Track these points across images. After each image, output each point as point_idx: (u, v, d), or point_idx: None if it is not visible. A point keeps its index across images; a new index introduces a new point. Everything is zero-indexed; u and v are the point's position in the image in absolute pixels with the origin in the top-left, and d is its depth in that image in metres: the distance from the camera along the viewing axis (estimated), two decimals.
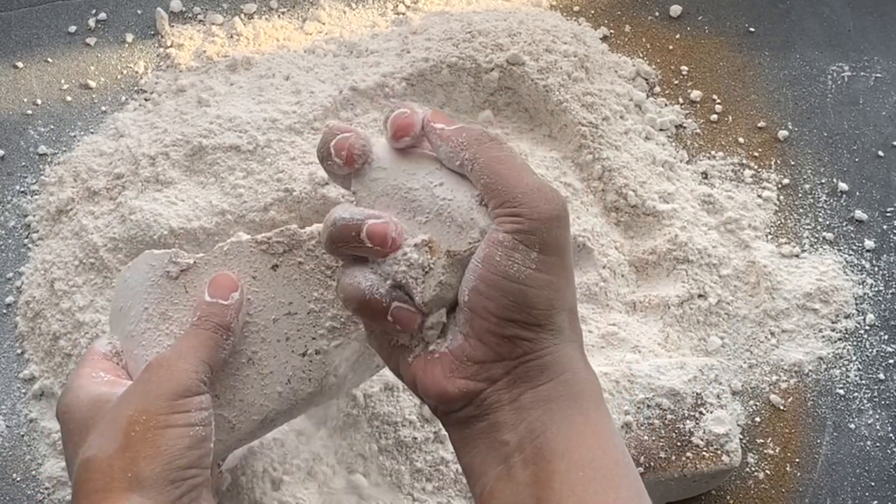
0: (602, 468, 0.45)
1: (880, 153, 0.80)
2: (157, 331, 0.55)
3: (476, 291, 0.47)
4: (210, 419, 0.51)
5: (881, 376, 0.71)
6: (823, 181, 0.79)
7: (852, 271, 0.75)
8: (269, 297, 0.55)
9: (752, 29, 0.85)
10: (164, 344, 0.55)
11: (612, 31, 0.84)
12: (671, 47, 0.84)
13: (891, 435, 0.70)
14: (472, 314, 0.47)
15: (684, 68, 0.83)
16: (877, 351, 0.72)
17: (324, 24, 0.82)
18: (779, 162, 0.79)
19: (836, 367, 0.71)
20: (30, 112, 0.79)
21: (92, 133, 0.77)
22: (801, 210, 0.77)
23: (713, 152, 0.79)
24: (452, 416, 0.48)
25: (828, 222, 0.77)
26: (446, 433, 0.64)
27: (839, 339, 0.72)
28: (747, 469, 0.68)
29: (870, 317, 0.73)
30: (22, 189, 0.75)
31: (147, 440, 0.48)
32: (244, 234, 0.57)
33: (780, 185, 0.78)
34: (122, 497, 0.47)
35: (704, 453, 0.63)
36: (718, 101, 0.81)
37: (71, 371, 0.55)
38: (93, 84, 0.80)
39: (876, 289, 0.74)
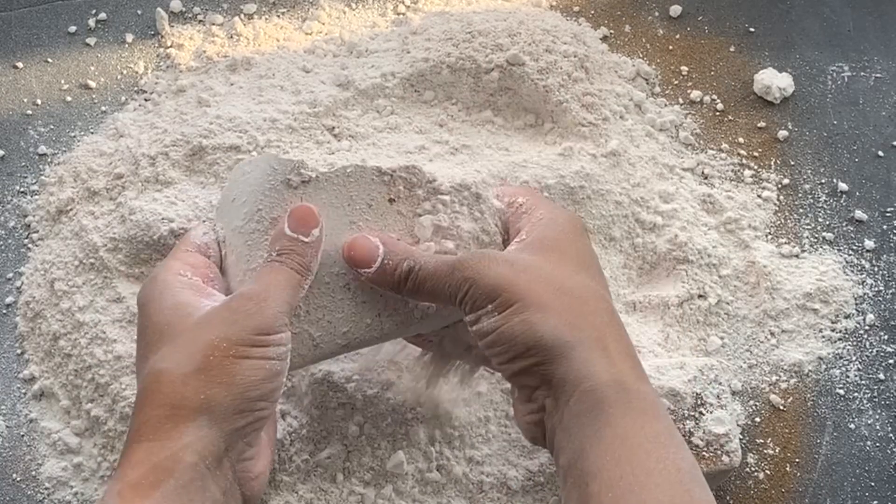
0: (629, 484, 0.45)
1: (880, 153, 0.80)
2: (266, 235, 0.55)
3: (489, 356, 0.53)
4: (286, 355, 0.52)
5: (881, 376, 0.71)
6: (823, 181, 0.79)
7: (852, 271, 0.75)
8: (379, 228, 0.56)
9: (752, 29, 0.85)
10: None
11: (612, 31, 0.84)
12: (671, 47, 0.84)
13: (891, 435, 0.70)
14: (497, 370, 0.53)
15: (684, 68, 0.83)
16: (877, 351, 0.72)
17: (324, 24, 0.82)
18: (779, 162, 0.79)
19: (836, 367, 0.71)
20: (30, 112, 0.79)
21: (92, 133, 0.77)
22: (801, 210, 0.77)
23: (713, 153, 0.79)
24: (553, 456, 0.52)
25: (828, 222, 0.77)
26: (447, 432, 0.64)
27: (839, 339, 0.72)
28: (747, 469, 0.68)
29: (870, 317, 0.73)
30: (22, 189, 0.75)
31: (224, 367, 0.49)
32: (371, 161, 0.57)
33: (780, 185, 0.78)
34: (191, 416, 0.49)
35: (704, 453, 0.63)
36: (718, 101, 0.81)
37: (161, 261, 0.56)
38: (93, 84, 0.80)
39: (876, 289, 0.74)
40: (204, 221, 0.59)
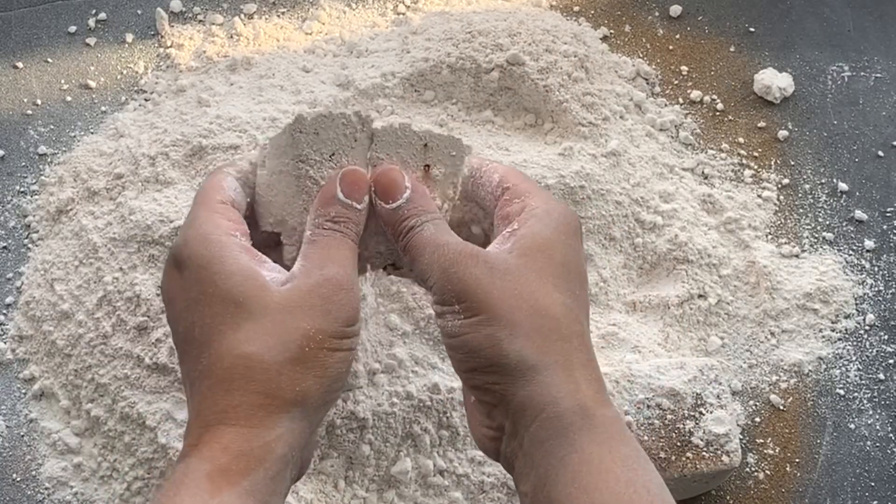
0: None
1: (880, 153, 0.80)
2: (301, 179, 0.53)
3: (449, 357, 0.51)
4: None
5: (881, 376, 0.71)
6: (823, 181, 0.79)
7: (852, 271, 0.75)
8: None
9: (752, 29, 0.85)
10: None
11: (612, 31, 0.84)
12: (671, 47, 0.84)
13: (891, 435, 0.70)
14: (456, 372, 0.51)
15: (684, 68, 0.83)
16: (877, 351, 0.72)
17: (324, 24, 0.82)
18: (779, 162, 0.79)
19: (836, 367, 0.71)
20: (30, 112, 0.79)
21: (92, 133, 0.77)
22: (801, 210, 0.77)
23: (713, 152, 0.79)
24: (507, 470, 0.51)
25: (828, 222, 0.77)
26: (454, 434, 0.64)
27: (839, 339, 0.72)
28: (747, 469, 0.68)
29: (870, 317, 0.73)
30: (22, 189, 0.75)
31: (319, 359, 0.48)
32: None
33: (780, 185, 0.78)
34: (285, 407, 0.47)
35: (704, 453, 0.63)
36: (718, 101, 0.81)
37: (197, 211, 0.52)
38: (93, 84, 0.80)
39: (876, 289, 0.74)
40: (232, 163, 0.57)
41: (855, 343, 0.72)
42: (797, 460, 0.69)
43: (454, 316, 0.49)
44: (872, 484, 0.68)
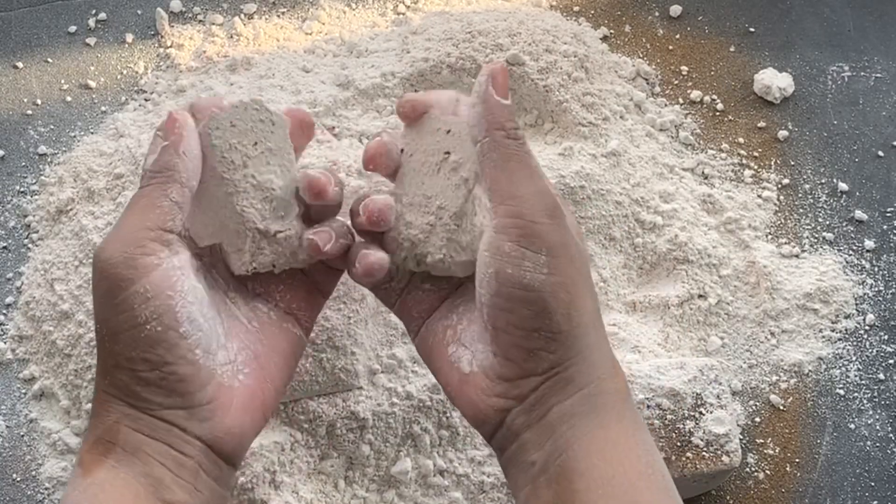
0: (622, 484, 0.44)
1: (880, 153, 0.80)
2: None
3: (496, 307, 0.47)
4: (170, 301, 0.46)
5: (881, 376, 0.71)
6: (823, 181, 0.79)
7: (852, 271, 0.75)
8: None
9: (752, 29, 0.85)
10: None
11: (612, 31, 0.84)
12: (671, 47, 0.84)
13: (891, 435, 0.70)
14: (495, 330, 0.47)
15: (684, 68, 0.83)
16: (877, 351, 0.72)
17: (324, 24, 0.82)
18: (779, 162, 0.79)
19: (836, 367, 0.71)
20: (30, 112, 0.79)
21: (92, 133, 0.77)
22: (801, 210, 0.77)
23: (713, 152, 0.79)
24: (493, 442, 0.49)
25: (828, 222, 0.77)
26: (454, 434, 0.64)
27: (839, 339, 0.72)
28: (747, 469, 0.68)
29: (870, 317, 0.73)
30: (22, 189, 0.75)
31: (106, 350, 0.47)
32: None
33: (780, 185, 0.78)
34: (109, 399, 0.48)
35: (704, 453, 0.63)
36: (718, 101, 0.81)
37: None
38: (93, 84, 0.80)
39: (876, 289, 0.74)
40: None
41: (855, 343, 0.72)
42: (797, 460, 0.69)
43: (537, 267, 0.45)
44: (872, 484, 0.68)
